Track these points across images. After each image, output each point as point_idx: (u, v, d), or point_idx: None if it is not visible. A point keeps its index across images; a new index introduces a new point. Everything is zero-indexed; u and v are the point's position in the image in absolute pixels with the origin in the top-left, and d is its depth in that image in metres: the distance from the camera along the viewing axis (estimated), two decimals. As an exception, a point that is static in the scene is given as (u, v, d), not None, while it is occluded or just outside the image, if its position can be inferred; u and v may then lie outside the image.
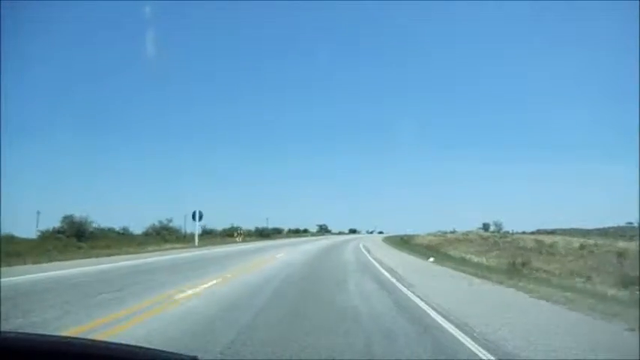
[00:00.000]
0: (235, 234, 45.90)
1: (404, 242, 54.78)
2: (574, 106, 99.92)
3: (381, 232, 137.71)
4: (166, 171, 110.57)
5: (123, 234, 49.63)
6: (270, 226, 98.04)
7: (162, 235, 46.77)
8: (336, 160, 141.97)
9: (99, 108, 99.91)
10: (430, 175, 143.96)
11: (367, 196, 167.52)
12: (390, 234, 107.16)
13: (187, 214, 38.38)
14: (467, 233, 64.80)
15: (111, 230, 51.15)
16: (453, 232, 75.72)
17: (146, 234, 53.37)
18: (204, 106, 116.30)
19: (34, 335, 1.56)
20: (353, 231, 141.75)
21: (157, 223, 52.42)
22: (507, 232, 67.70)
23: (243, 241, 44.67)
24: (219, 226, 66.01)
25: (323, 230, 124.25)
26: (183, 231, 55.58)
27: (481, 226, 78.53)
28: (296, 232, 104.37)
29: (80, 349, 1.36)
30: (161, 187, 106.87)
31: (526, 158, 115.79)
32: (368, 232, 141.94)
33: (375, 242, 48.01)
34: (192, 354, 1.51)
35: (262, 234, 64.35)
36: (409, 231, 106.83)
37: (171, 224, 53.97)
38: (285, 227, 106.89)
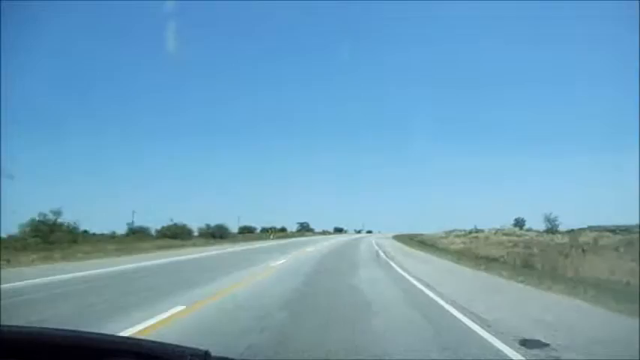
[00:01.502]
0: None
1: (427, 245, 35.95)
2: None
3: (369, 232, 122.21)
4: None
5: None
6: (243, 223, 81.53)
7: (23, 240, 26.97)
8: (320, 157, 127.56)
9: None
10: (422, 172, 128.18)
11: (353, 194, 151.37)
12: (387, 233, 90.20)
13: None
14: (514, 231, 46.44)
15: None
16: (477, 230, 57.21)
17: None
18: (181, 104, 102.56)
19: (41, 329, 1.43)
20: (339, 230, 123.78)
21: (36, 217, 32.31)
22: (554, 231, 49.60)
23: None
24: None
25: (304, 229, 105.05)
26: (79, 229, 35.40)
27: (512, 222, 60.21)
28: (271, 232, 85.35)
29: (90, 343, 1.35)
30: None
31: (552, 151, 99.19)
32: (356, 231, 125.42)
33: (413, 257, 22.38)
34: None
35: (214, 235, 44.56)
36: (403, 230, 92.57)
37: (60, 219, 33.98)
38: (266, 225, 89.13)
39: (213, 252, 23.09)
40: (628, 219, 40.08)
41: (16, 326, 1.38)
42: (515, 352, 4.80)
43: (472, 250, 26.35)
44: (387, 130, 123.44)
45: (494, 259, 19.80)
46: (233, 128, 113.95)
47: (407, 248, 31.78)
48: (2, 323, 1.54)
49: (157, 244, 28.97)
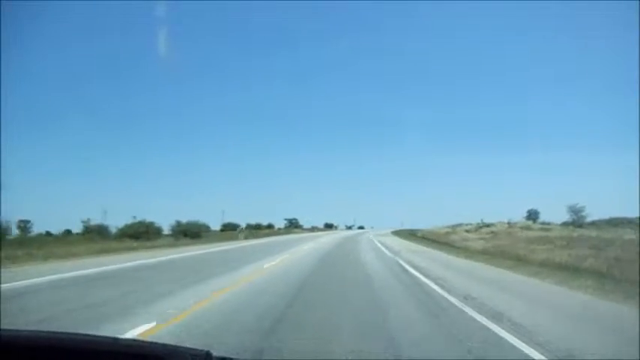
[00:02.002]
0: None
1: (441, 244, 29.77)
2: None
3: (361, 227, 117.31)
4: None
5: None
6: (228, 220, 75.50)
7: None
8: (310, 152, 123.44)
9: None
10: (416, 166, 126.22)
11: (344, 189, 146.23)
12: (381, 229, 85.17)
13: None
14: (528, 225, 40.59)
15: None
16: (487, 224, 51.29)
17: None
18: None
19: (40, 332, 1.43)
20: (329, 226, 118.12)
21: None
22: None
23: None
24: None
25: (292, 226, 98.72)
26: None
27: (525, 214, 54.46)
28: (257, 228, 79.30)
29: (90, 345, 1.32)
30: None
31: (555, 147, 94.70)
32: (347, 227, 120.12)
33: (469, 275, 12.82)
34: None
35: (186, 233, 37.70)
36: (395, 225, 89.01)
37: None
38: (252, 222, 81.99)
39: (110, 267, 13.84)
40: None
41: (15, 330, 1.35)
42: None
43: (516, 253, 19.87)
44: (379, 124, 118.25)
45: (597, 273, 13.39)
46: (221, 122, 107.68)
47: (431, 251, 23.69)
48: None
49: (101, 248, 22.39)
